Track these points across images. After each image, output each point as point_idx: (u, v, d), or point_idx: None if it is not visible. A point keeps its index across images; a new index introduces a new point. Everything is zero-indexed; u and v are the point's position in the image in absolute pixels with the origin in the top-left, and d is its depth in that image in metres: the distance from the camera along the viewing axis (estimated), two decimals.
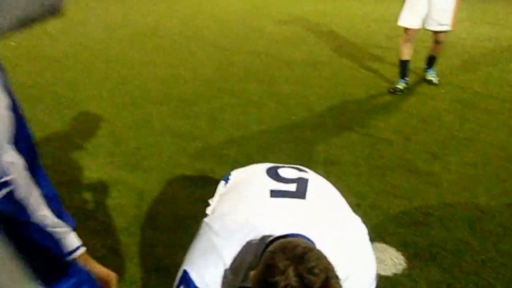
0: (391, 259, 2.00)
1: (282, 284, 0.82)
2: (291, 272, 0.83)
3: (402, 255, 2.03)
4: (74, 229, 0.94)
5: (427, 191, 2.53)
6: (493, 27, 5.93)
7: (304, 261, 0.84)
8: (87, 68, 4.38)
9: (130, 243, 2.08)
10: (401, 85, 3.90)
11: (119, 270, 1.92)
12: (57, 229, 0.89)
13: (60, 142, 2.99)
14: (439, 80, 4.08)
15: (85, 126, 3.23)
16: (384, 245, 2.08)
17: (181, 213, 2.30)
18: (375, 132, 3.20)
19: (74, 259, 0.94)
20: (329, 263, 0.87)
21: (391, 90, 3.89)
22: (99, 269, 1.00)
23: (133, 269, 1.93)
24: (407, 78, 3.94)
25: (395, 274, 1.91)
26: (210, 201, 1.44)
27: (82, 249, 0.96)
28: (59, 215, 0.89)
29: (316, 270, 0.83)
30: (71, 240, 0.94)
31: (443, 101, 3.76)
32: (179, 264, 1.92)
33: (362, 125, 3.31)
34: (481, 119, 3.44)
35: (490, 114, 3.53)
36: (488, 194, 2.51)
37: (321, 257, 0.87)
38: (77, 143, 2.98)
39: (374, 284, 1.12)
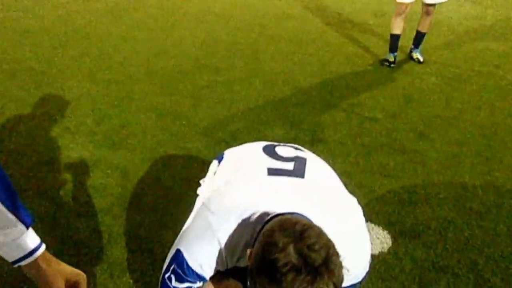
0: (378, 238, 2.01)
1: (283, 261, 0.79)
2: (291, 249, 0.81)
3: (388, 233, 2.05)
4: (31, 226, 0.82)
5: (413, 169, 2.54)
6: (477, 6, 5.93)
7: (305, 238, 0.82)
8: (65, 42, 4.20)
9: (113, 224, 2.04)
10: (391, 58, 3.90)
11: (102, 251, 1.88)
12: (8, 230, 0.78)
13: (38, 120, 2.88)
14: (424, 58, 4.07)
15: (64, 103, 3.11)
16: (371, 224, 2.09)
17: (165, 193, 2.26)
18: (362, 110, 3.18)
19: (36, 260, 0.83)
20: (329, 240, 0.85)
21: (383, 62, 3.92)
22: (65, 269, 0.87)
23: (117, 250, 1.89)
24: (396, 53, 3.94)
25: (381, 252, 1.93)
26: (201, 181, 1.39)
27: (42, 249, 0.83)
28: (13, 209, 0.78)
29: (316, 247, 0.81)
30: (28, 239, 0.81)
31: (429, 79, 3.76)
32: (163, 244, 1.91)
33: (348, 103, 3.28)
34: (465, 97, 3.46)
35: (474, 92, 3.55)
36: (472, 173, 2.54)
37: (321, 233, 0.86)
38: (56, 121, 2.88)
39: (368, 265, 1.12)
